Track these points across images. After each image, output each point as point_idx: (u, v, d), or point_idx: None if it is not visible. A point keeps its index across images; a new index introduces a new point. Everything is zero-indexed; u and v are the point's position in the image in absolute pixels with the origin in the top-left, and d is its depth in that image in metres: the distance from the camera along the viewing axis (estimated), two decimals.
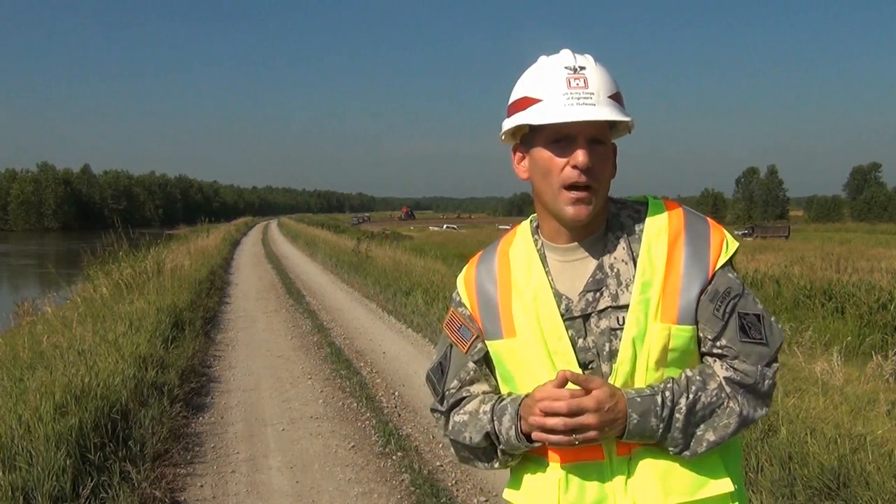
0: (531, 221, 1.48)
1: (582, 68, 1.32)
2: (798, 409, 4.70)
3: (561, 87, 1.31)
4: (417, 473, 4.32)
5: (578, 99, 1.30)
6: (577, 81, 1.31)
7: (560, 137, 1.32)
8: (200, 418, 5.57)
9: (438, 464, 4.55)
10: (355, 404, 5.90)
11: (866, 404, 5.28)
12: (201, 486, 4.25)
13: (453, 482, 4.25)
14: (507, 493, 1.50)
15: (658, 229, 1.37)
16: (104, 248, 13.45)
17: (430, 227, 79.73)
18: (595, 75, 1.32)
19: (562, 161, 1.32)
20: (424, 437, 5.06)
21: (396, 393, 6.25)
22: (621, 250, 1.37)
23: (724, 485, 1.35)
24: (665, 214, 1.39)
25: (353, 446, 4.91)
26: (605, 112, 1.29)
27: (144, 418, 4.80)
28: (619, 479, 1.34)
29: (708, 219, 1.40)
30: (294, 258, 24.95)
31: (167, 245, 18.92)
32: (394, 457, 4.66)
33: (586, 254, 1.39)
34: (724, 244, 1.36)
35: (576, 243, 1.39)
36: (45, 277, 21.90)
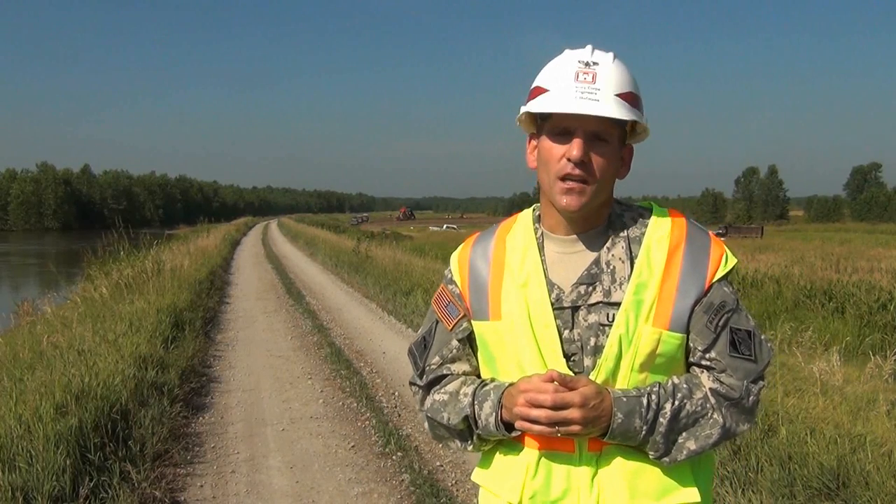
0: (533, 210, 1.49)
1: (595, 63, 1.33)
2: (798, 409, 4.69)
3: (569, 79, 1.33)
4: (417, 473, 4.32)
5: (582, 93, 1.31)
6: (585, 76, 1.32)
7: (561, 130, 1.34)
8: (200, 418, 5.57)
9: (438, 464, 4.55)
10: (355, 404, 5.90)
11: (866, 404, 5.28)
12: (201, 486, 4.25)
13: (453, 482, 4.26)
14: (477, 475, 1.51)
15: (660, 235, 1.38)
16: (104, 247, 13.46)
17: (430, 227, 79.75)
18: (607, 72, 1.32)
19: (559, 152, 1.34)
20: (424, 437, 5.06)
21: (396, 393, 6.25)
22: (620, 249, 1.37)
23: (691, 494, 1.36)
24: (668, 223, 1.40)
25: (353, 446, 4.91)
26: (605, 108, 1.29)
27: (144, 418, 4.80)
28: (587, 474, 1.34)
29: (710, 233, 1.41)
30: (294, 258, 24.94)
31: (167, 245, 18.93)
32: (394, 457, 4.66)
33: (584, 248, 1.40)
34: (724, 258, 1.37)
35: (575, 236, 1.40)
36: (45, 277, 21.91)
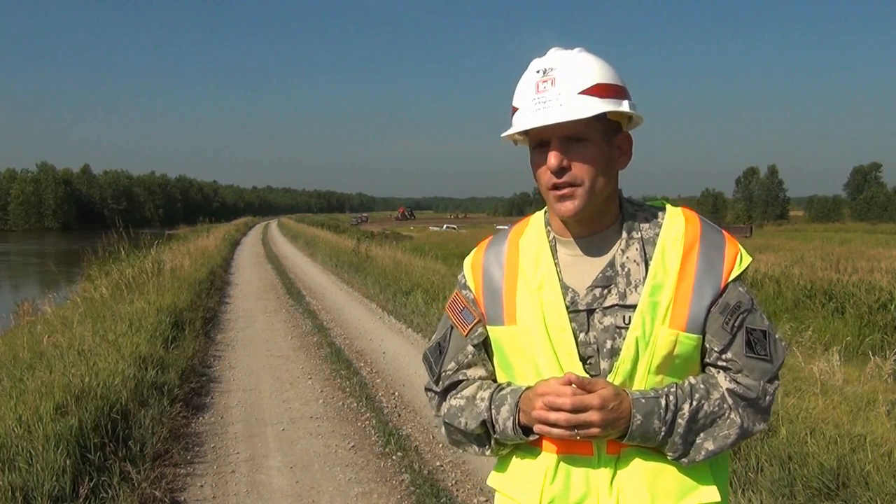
0: (545, 213, 1.48)
1: (552, 69, 1.32)
2: (798, 409, 4.70)
3: (531, 92, 1.33)
4: (417, 473, 4.32)
5: (544, 103, 1.31)
6: (544, 84, 1.32)
7: (539, 142, 1.34)
8: (200, 418, 5.57)
9: (438, 464, 4.55)
10: (355, 404, 5.90)
11: (866, 404, 5.28)
12: (201, 486, 4.26)
13: (453, 482, 4.25)
14: (493, 479, 1.50)
15: (674, 235, 1.37)
16: (105, 247, 13.47)
17: (430, 227, 79.69)
18: (565, 73, 1.31)
19: (542, 165, 1.34)
20: (424, 437, 5.06)
21: (396, 393, 6.25)
22: (634, 251, 1.37)
23: (711, 493, 1.35)
24: (682, 222, 1.38)
25: (353, 446, 4.91)
26: (564, 113, 1.28)
27: (144, 418, 4.80)
28: (606, 477, 1.34)
29: (724, 231, 1.40)
30: (294, 258, 24.94)
31: (167, 245, 18.94)
32: (394, 457, 4.66)
33: (598, 250, 1.39)
34: (739, 257, 1.36)
35: (588, 238, 1.39)
36: (45, 277, 21.91)
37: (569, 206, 1.33)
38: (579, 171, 1.31)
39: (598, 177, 1.33)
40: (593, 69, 1.32)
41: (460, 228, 76.22)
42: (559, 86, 1.30)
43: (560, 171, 1.31)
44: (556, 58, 1.34)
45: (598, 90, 1.31)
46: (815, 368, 6.12)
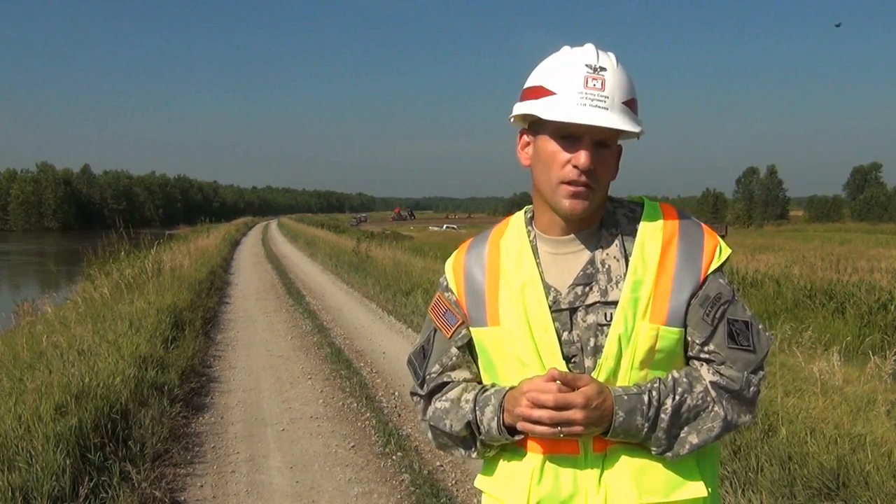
0: (525, 212, 1.49)
1: (602, 69, 1.31)
2: (798, 409, 4.69)
3: (577, 84, 1.30)
4: (417, 473, 4.32)
5: (592, 101, 1.29)
6: (594, 82, 1.30)
7: (567, 134, 1.32)
8: (200, 418, 5.58)
9: (438, 464, 4.55)
10: (355, 404, 5.90)
11: (866, 404, 5.27)
12: (201, 486, 4.26)
13: (453, 482, 4.26)
14: (480, 481, 1.50)
15: (653, 230, 1.37)
16: (105, 247, 13.48)
17: (430, 227, 79.71)
18: (614, 78, 1.31)
19: (565, 157, 1.32)
20: (424, 437, 5.05)
21: (396, 393, 6.25)
22: (614, 247, 1.37)
23: (698, 489, 1.36)
24: (661, 216, 1.39)
25: (353, 446, 4.92)
26: (616, 119, 1.29)
27: (144, 418, 4.80)
28: (593, 475, 1.34)
29: (702, 224, 1.41)
30: (294, 258, 24.95)
31: (167, 245, 18.95)
32: (394, 457, 4.66)
33: (579, 247, 1.39)
34: (718, 250, 1.37)
35: (569, 236, 1.39)
36: (45, 277, 21.92)
37: (579, 206, 1.33)
38: (600, 173, 1.33)
39: (608, 181, 1.37)
40: (631, 82, 1.35)
41: (460, 228, 76.18)
42: (609, 90, 1.30)
43: (587, 172, 1.32)
44: (605, 60, 1.32)
45: (633, 104, 1.34)
46: (815, 368, 6.11)
